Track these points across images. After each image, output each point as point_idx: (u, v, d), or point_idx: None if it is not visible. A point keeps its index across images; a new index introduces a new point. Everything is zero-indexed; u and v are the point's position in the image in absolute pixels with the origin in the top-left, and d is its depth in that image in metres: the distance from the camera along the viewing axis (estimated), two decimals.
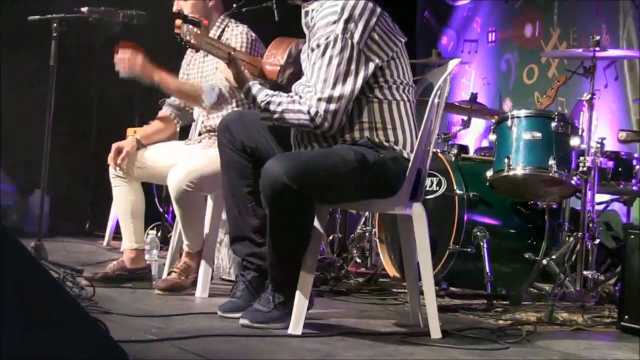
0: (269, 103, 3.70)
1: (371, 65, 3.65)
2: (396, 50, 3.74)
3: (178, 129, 5.31)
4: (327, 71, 3.62)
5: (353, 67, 3.62)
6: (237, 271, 4.16)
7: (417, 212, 3.77)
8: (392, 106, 3.71)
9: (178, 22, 3.83)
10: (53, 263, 4.77)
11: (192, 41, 3.84)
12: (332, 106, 3.60)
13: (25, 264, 2.12)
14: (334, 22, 3.63)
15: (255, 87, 3.78)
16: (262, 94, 3.74)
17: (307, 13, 3.85)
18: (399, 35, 3.79)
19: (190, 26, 3.83)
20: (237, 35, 4.83)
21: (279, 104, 3.68)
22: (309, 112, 3.61)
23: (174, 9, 4.81)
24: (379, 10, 3.74)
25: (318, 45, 3.66)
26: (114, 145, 4.88)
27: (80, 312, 2.22)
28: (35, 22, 5.12)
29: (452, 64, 3.95)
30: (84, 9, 4.95)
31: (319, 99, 3.60)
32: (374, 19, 3.68)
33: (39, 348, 2.05)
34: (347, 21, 3.63)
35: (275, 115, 3.69)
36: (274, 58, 3.95)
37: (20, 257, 2.10)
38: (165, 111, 5.14)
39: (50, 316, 2.11)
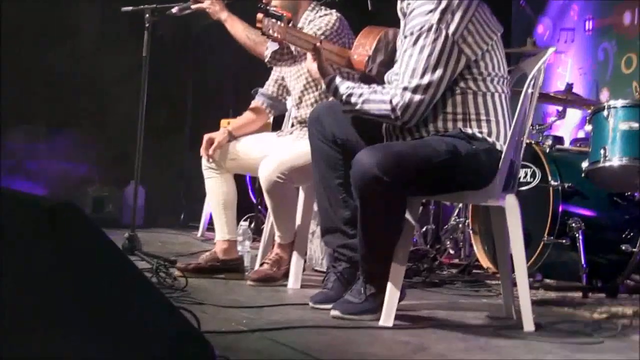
0: (350, 95, 3.68)
1: (463, 59, 3.59)
2: (491, 43, 3.67)
3: (271, 119, 5.35)
4: (417, 60, 3.57)
5: (444, 58, 3.56)
6: (329, 262, 4.15)
7: (510, 203, 3.72)
8: (486, 98, 3.66)
9: (259, 16, 3.83)
10: (146, 254, 4.85)
11: (275, 34, 3.83)
12: (417, 97, 3.55)
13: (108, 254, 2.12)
14: (431, 11, 3.58)
15: (337, 79, 3.77)
16: (344, 86, 3.72)
17: None
18: (495, 27, 3.73)
19: (273, 20, 3.82)
20: (322, 18, 4.79)
21: (360, 95, 3.66)
22: (390, 102, 3.57)
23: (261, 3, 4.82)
24: (477, 0, 3.69)
25: (412, 34, 3.61)
26: (206, 137, 4.92)
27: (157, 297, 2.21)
28: (129, 12, 5.19)
29: (547, 53, 3.89)
30: (174, 9, 5.00)
31: (405, 88, 3.56)
32: (472, 10, 3.62)
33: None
34: (444, 11, 3.57)
35: (357, 107, 3.67)
36: (362, 48, 3.92)
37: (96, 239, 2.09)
38: (257, 101, 5.16)
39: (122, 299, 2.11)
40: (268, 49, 4.69)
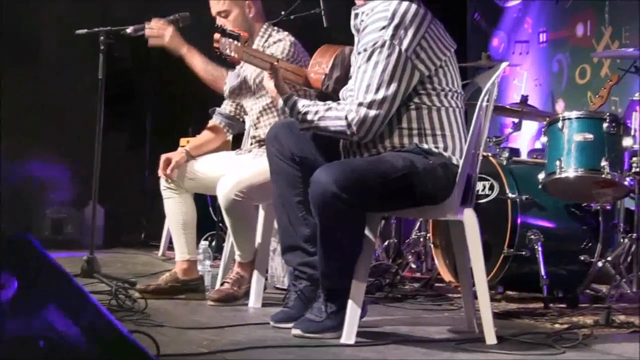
0: (306, 113, 3.69)
1: (417, 74, 3.62)
2: (445, 59, 3.70)
3: (229, 138, 5.33)
4: (371, 76, 3.59)
5: (398, 73, 3.58)
6: (289, 280, 4.15)
7: (469, 217, 3.74)
8: (440, 113, 3.69)
9: (217, 36, 3.84)
10: (106, 276, 4.81)
11: (231, 54, 3.84)
12: (372, 112, 3.57)
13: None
14: (384, 28, 3.61)
15: (293, 98, 3.77)
16: (300, 104, 3.73)
17: (356, 15, 3.82)
18: (448, 44, 3.76)
19: (230, 39, 3.83)
20: (277, 42, 4.81)
21: (316, 112, 3.67)
22: (346, 118, 3.59)
23: (217, 24, 4.83)
24: (430, 17, 3.70)
25: (365, 50, 3.64)
26: (163, 157, 4.91)
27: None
28: (83, 35, 5.16)
29: (500, 67, 3.92)
30: (129, 29, 4.99)
31: (360, 104, 3.58)
32: (425, 27, 3.65)
33: None
34: (397, 27, 3.60)
35: (313, 124, 3.68)
36: (319, 66, 3.93)
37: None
38: (215, 120, 5.15)
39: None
40: (227, 84, 4.71)
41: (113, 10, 7.91)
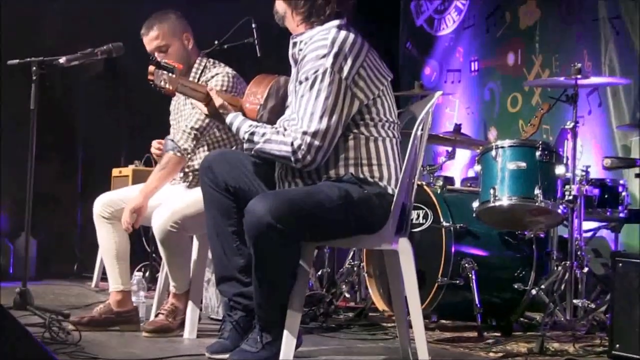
0: (252, 134, 3.69)
1: (356, 103, 3.64)
2: (382, 88, 3.73)
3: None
4: (314, 104, 3.60)
5: (340, 102, 3.60)
6: (224, 311, 4.13)
7: (403, 246, 3.76)
8: (377, 143, 3.70)
9: (151, 68, 3.83)
10: (39, 308, 4.74)
11: (166, 86, 3.84)
12: (317, 141, 3.58)
13: None
14: (324, 56, 3.62)
15: (239, 118, 3.79)
16: (246, 124, 3.74)
17: (295, 44, 3.83)
18: (385, 73, 3.79)
19: (164, 72, 3.83)
20: (216, 76, 4.80)
21: (263, 134, 3.67)
22: (292, 144, 3.59)
23: (151, 57, 4.81)
24: (367, 46, 3.73)
25: (307, 78, 3.64)
26: (130, 211, 4.76)
27: None
28: (15, 65, 5.10)
29: (434, 96, 3.95)
30: (62, 59, 4.93)
31: (304, 133, 3.58)
32: (363, 55, 3.68)
33: None
34: (336, 55, 3.61)
35: (258, 146, 3.68)
36: (254, 97, 3.93)
37: None
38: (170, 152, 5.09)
39: None
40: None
41: (42, 40, 7.86)
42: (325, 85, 3.59)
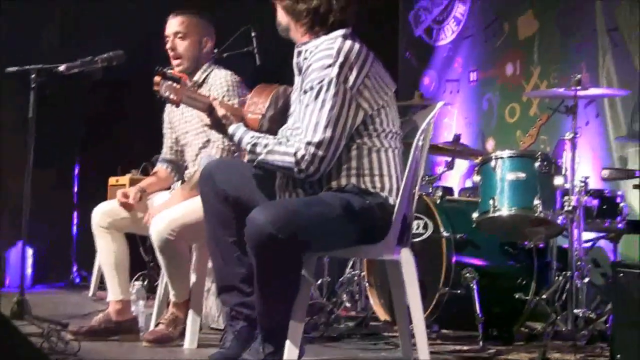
0: (255, 145, 3.68)
1: (361, 113, 3.64)
2: (386, 99, 3.73)
3: (176, 180, 5.27)
4: (319, 114, 3.58)
5: (344, 112, 3.59)
6: (225, 320, 4.12)
7: (405, 257, 3.75)
8: (380, 153, 3.69)
9: (157, 79, 3.83)
10: (37, 318, 4.72)
11: (171, 97, 3.84)
12: (321, 151, 3.56)
13: None
14: (329, 66, 3.60)
15: (241, 129, 3.78)
16: (248, 135, 3.73)
17: (299, 53, 3.82)
18: (389, 84, 3.78)
19: (170, 82, 3.83)
20: (220, 79, 4.81)
21: (266, 145, 3.66)
22: (295, 155, 3.57)
23: (168, 45, 4.83)
24: (372, 56, 3.72)
25: (312, 88, 3.62)
26: (120, 192, 4.83)
27: None
28: (13, 73, 5.09)
29: (436, 107, 3.95)
30: (62, 67, 4.93)
31: (308, 143, 3.56)
32: (368, 66, 3.67)
33: None
34: (342, 65, 3.59)
35: (261, 157, 3.66)
36: (256, 107, 3.92)
37: None
38: (160, 167, 5.12)
39: None
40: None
41: (41, 47, 7.86)
42: (330, 96, 3.58)
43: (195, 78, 4.83)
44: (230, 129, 3.81)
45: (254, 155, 3.70)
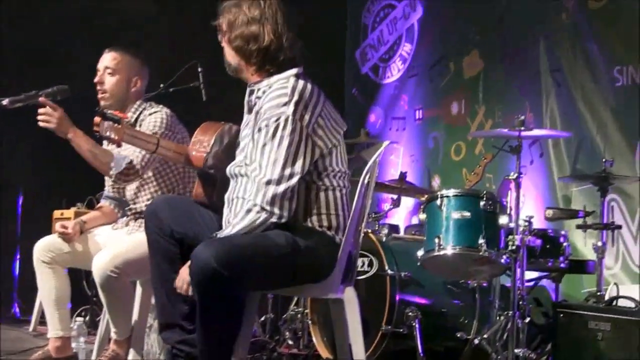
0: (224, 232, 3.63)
1: (317, 151, 3.64)
2: (338, 138, 3.74)
3: (120, 216, 5.24)
4: (277, 152, 3.55)
5: (302, 149, 3.58)
6: (166, 358, 4.07)
7: (349, 296, 3.75)
8: (327, 192, 3.69)
9: (97, 119, 3.81)
10: None
11: (112, 136, 3.82)
12: (281, 188, 3.53)
13: None
14: (285, 104, 3.58)
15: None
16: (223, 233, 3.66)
17: (252, 92, 3.81)
18: (341, 124, 3.79)
19: (110, 122, 3.81)
20: (151, 116, 4.78)
21: (233, 226, 3.59)
22: (255, 206, 3.54)
23: (96, 79, 4.80)
24: (324, 96, 3.72)
25: (267, 126, 3.59)
26: (59, 223, 4.79)
27: None
28: None
29: (382, 146, 3.96)
30: (5, 101, 4.88)
31: (268, 182, 3.54)
32: (321, 105, 3.67)
33: None
34: (297, 103, 3.58)
35: (233, 233, 3.58)
36: (200, 145, 3.91)
37: None
38: (103, 202, 5.08)
39: None
40: (113, 169, 4.61)
41: None
42: (287, 133, 3.56)
43: (128, 116, 4.80)
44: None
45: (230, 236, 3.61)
